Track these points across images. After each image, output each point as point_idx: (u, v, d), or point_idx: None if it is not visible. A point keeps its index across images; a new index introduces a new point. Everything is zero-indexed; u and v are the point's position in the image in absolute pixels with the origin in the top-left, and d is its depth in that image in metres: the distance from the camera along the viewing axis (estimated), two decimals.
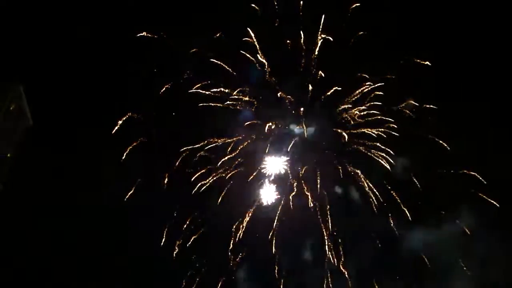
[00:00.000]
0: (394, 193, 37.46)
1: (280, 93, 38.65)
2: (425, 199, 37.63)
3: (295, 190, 38.45)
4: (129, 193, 38.10)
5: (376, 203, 37.44)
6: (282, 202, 38.63)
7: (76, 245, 41.26)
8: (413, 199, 37.76)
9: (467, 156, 37.30)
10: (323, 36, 36.28)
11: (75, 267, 40.99)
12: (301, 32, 36.73)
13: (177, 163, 37.79)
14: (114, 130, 36.73)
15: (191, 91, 37.75)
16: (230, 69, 37.86)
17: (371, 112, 37.48)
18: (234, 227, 38.54)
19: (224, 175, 38.23)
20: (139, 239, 39.86)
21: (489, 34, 37.68)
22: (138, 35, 36.70)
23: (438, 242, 37.47)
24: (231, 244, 38.73)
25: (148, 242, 39.56)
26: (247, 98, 38.34)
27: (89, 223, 40.70)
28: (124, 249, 40.71)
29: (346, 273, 38.39)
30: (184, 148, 37.69)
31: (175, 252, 38.92)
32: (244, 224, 38.59)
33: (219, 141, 37.78)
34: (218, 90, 37.93)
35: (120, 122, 36.71)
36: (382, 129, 37.52)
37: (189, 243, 38.53)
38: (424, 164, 38.01)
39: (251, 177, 38.72)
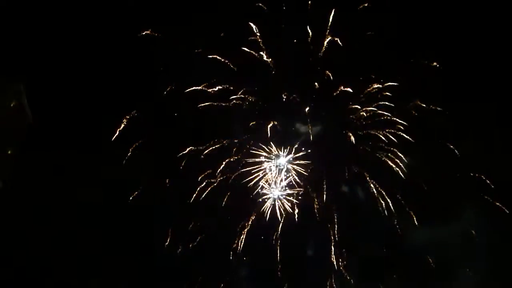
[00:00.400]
0: (399, 196, 37.21)
1: (285, 92, 38.12)
2: (431, 200, 37.42)
3: (300, 190, 38.18)
4: (134, 193, 37.66)
5: (384, 205, 37.16)
6: (288, 202, 38.40)
7: (77, 243, 41.03)
8: (419, 201, 37.51)
9: (474, 158, 37.03)
10: (330, 37, 35.60)
11: (77, 265, 40.78)
12: (309, 30, 36.05)
13: (182, 163, 37.39)
14: (118, 130, 36.10)
15: (195, 88, 37.15)
16: (235, 68, 37.22)
17: (378, 112, 37.01)
18: (238, 228, 38.42)
19: (228, 176, 37.86)
20: (142, 238, 39.72)
21: (498, 35, 37.23)
22: (141, 34, 35.95)
23: (443, 244, 37.43)
24: (235, 244, 38.60)
25: (151, 241, 39.39)
26: (252, 98, 37.82)
27: (91, 221, 40.43)
28: (126, 248, 40.49)
29: (350, 274, 38.39)
30: (189, 149, 37.21)
31: (178, 251, 38.85)
32: (249, 223, 38.48)
33: (225, 142, 37.37)
34: (223, 87, 37.34)
35: (124, 121, 36.03)
36: (389, 130, 37.12)
37: (195, 243, 38.38)
38: (430, 166, 37.70)
39: (255, 177, 38.31)
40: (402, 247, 38.30)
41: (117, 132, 35.88)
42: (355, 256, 39.05)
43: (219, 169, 37.52)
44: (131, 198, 37.85)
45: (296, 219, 38.29)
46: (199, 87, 37.06)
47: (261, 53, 36.65)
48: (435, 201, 37.25)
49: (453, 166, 37.20)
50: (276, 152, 38.11)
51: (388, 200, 36.99)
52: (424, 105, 37.04)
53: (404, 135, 36.75)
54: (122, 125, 36.08)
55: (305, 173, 37.89)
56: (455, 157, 36.58)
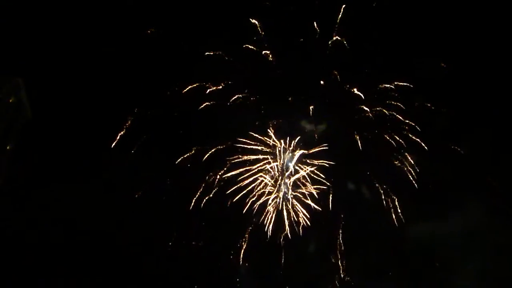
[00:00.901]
0: (404, 196, 37.25)
1: (290, 91, 37.86)
2: (436, 200, 37.66)
3: (305, 189, 37.99)
4: (139, 193, 37.34)
5: (389, 202, 37.22)
6: (292, 201, 38.24)
7: (77, 241, 40.81)
8: (424, 200, 37.70)
9: (479, 159, 37.26)
10: (337, 36, 35.22)
11: (76, 264, 40.59)
12: (317, 29, 35.62)
13: (187, 163, 37.07)
14: (123, 128, 35.54)
15: (198, 84, 36.64)
16: (240, 67, 36.81)
17: (384, 113, 36.85)
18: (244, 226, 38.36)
19: (232, 176, 37.58)
20: (144, 239, 39.58)
21: (506, 37, 37.19)
22: (144, 32, 35.38)
23: (448, 243, 37.84)
24: (240, 243, 38.58)
25: (154, 242, 39.28)
26: (256, 97, 37.48)
27: (91, 219, 40.14)
28: (128, 248, 40.38)
29: (352, 274, 38.66)
30: (194, 148, 36.85)
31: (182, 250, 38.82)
32: (254, 221, 38.41)
33: (229, 143, 37.06)
34: (226, 85, 36.90)
35: (128, 118, 35.57)
36: (395, 130, 37.05)
37: (200, 243, 38.35)
38: (436, 166, 37.82)
39: (260, 177, 38.01)
40: (406, 246, 38.64)
41: (124, 130, 35.26)
42: (359, 256, 39.32)
43: (223, 169, 37.28)
44: (136, 196, 37.42)
45: (303, 222, 38.08)
46: (202, 86, 36.61)
47: (266, 51, 36.32)
48: (440, 200, 37.55)
49: (458, 166, 37.40)
50: (281, 151, 37.78)
51: (395, 198, 37.05)
52: (429, 105, 37.06)
53: (409, 135, 36.78)
54: (129, 122, 35.49)
55: (311, 174, 37.61)
56: (460, 158, 36.79)
